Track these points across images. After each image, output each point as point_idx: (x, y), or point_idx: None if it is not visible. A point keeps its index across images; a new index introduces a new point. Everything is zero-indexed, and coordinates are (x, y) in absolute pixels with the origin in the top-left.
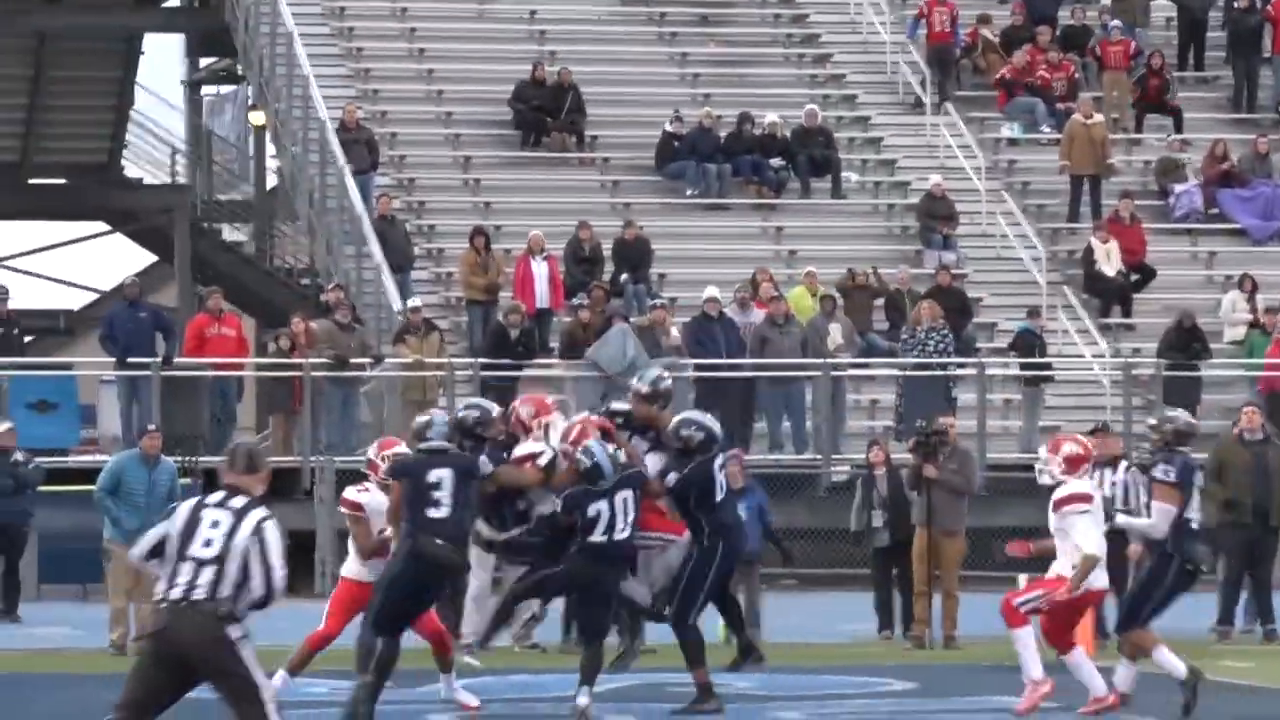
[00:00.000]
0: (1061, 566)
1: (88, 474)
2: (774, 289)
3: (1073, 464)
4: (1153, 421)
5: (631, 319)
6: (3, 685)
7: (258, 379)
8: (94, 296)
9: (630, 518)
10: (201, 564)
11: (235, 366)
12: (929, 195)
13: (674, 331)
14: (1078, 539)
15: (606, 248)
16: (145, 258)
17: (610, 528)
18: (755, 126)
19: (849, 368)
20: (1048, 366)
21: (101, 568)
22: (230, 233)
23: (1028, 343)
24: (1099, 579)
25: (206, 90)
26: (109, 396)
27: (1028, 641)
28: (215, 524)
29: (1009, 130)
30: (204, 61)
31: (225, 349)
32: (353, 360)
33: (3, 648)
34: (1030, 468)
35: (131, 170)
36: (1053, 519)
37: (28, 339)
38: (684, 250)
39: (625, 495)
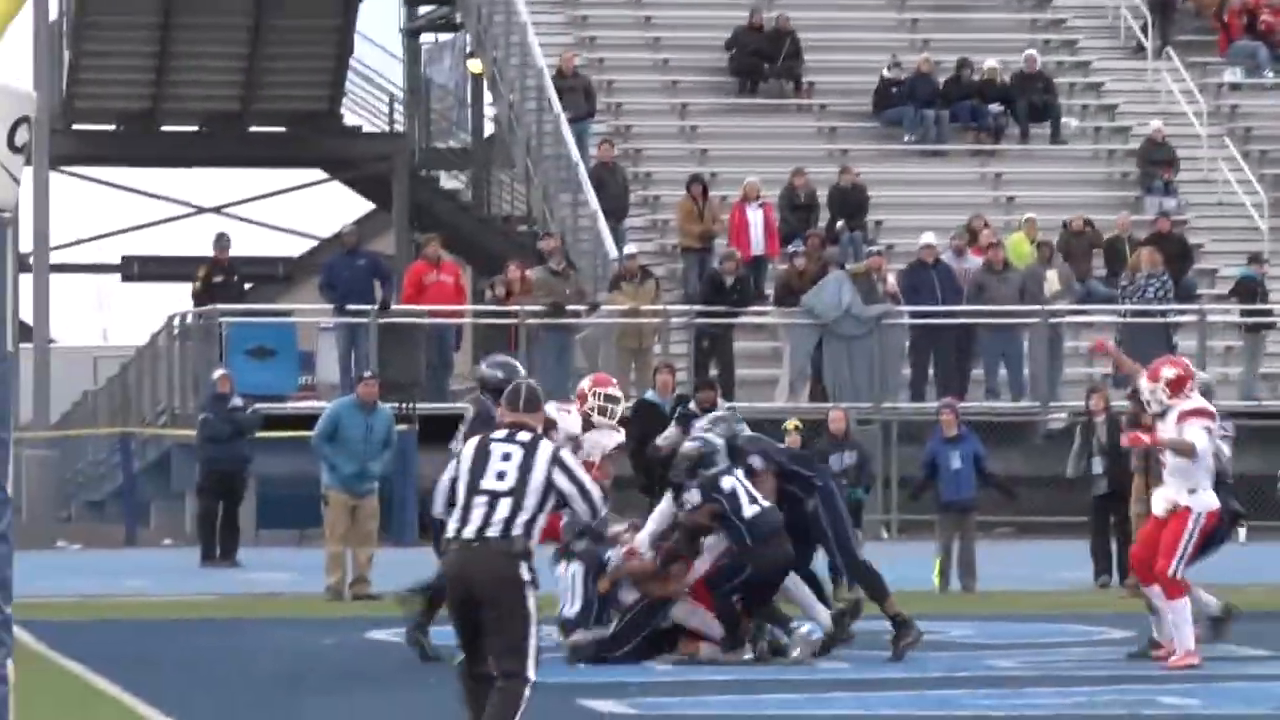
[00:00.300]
0: (1167, 493)
1: (306, 420)
2: (991, 236)
3: (1176, 385)
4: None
5: (847, 265)
6: (222, 630)
7: (474, 326)
8: (313, 244)
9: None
10: (496, 497)
11: (453, 314)
12: (1150, 141)
13: (890, 278)
14: (1189, 435)
15: (822, 194)
16: (363, 205)
17: (753, 498)
18: (974, 72)
19: (1067, 315)
20: (1269, 313)
21: (319, 513)
22: (447, 180)
23: (1249, 289)
24: (1214, 500)
25: (425, 38)
26: (327, 343)
27: (1185, 615)
28: (506, 457)
29: (1231, 75)
30: (422, 9)
31: (443, 296)
32: (568, 307)
33: (222, 592)
34: (1253, 415)
35: (350, 118)
36: (1169, 433)
37: (247, 286)
38: (901, 197)
39: (739, 473)
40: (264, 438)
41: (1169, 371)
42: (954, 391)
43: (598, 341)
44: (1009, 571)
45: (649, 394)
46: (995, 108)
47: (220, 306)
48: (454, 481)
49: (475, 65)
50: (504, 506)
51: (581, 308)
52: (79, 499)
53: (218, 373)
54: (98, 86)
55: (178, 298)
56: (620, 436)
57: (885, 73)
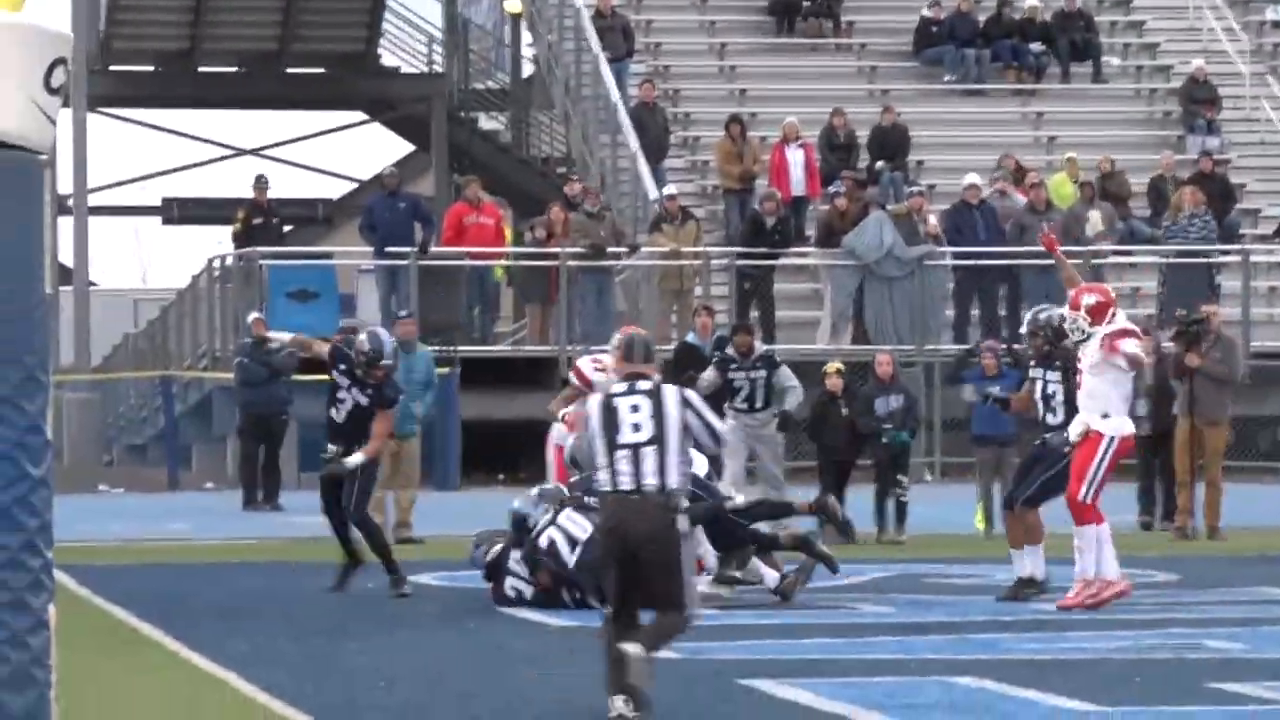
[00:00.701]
0: (1081, 418)
1: None
2: (1035, 176)
3: (1098, 312)
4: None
5: (888, 206)
6: (264, 573)
7: (515, 268)
8: (352, 186)
9: None
10: (638, 449)
11: (493, 255)
12: (1191, 80)
13: (932, 219)
14: (1126, 347)
15: (862, 134)
16: (403, 147)
17: (572, 540)
18: (1015, 10)
19: (1110, 255)
20: None
21: None
22: (486, 122)
23: None
24: (1128, 425)
25: None
26: (368, 286)
27: (1091, 542)
28: (635, 408)
29: (1273, 13)
30: None
31: (484, 238)
32: (609, 249)
33: (264, 535)
34: None
35: (388, 59)
36: (1094, 357)
37: (287, 228)
38: (942, 137)
39: (561, 516)
40: (306, 381)
41: (1089, 298)
42: (998, 333)
43: (638, 283)
44: (1053, 514)
45: (690, 336)
46: (1036, 47)
47: (260, 249)
48: (591, 441)
49: (513, 5)
50: (650, 457)
51: (622, 250)
52: (120, 442)
53: (252, 316)
54: (136, 27)
55: (217, 240)
56: None
57: (925, 12)
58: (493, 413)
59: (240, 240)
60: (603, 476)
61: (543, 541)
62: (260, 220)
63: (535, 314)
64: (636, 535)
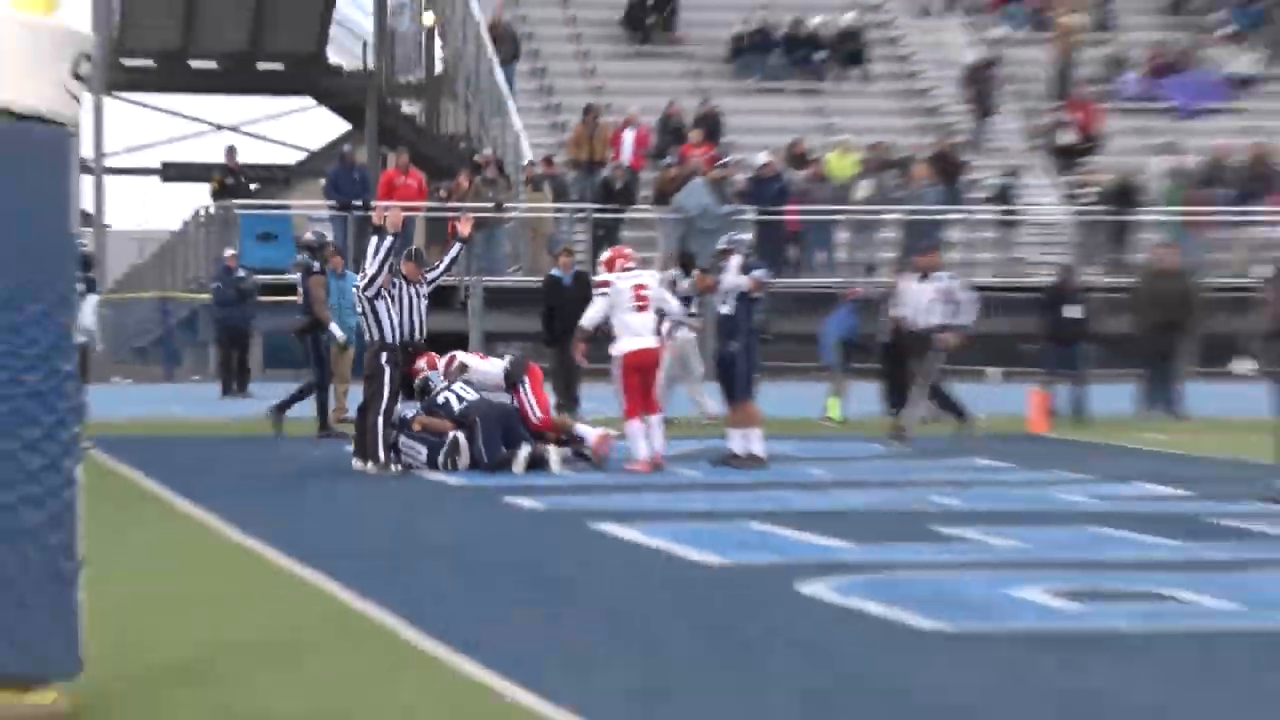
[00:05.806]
0: None
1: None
2: (816, 155)
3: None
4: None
5: (707, 174)
6: (238, 445)
7: (428, 217)
8: (305, 154)
9: None
10: None
11: (416, 209)
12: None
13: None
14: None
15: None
16: (343, 126)
17: (461, 398)
18: (803, 29)
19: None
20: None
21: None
22: (407, 107)
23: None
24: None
25: None
26: (316, 229)
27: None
28: None
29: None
30: None
31: (408, 196)
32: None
33: (239, 416)
34: (1008, 289)
35: (334, 58)
36: None
37: (254, 187)
38: (748, 123)
39: (454, 388)
40: (267, 301)
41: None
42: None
43: (519, 230)
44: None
45: (554, 271)
46: (820, 55)
47: (235, 202)
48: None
49: (429, 18)
50: None
51: (512, 205)
52: (129, 346)
53: (227, 252)
54: (141, 29)
55: (201, 195)
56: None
57: (738, 29)
58: None
59: (218, 195)
60: None
61: (439, 399)
62: (233, 181)
63: (436, 253)
64: None
